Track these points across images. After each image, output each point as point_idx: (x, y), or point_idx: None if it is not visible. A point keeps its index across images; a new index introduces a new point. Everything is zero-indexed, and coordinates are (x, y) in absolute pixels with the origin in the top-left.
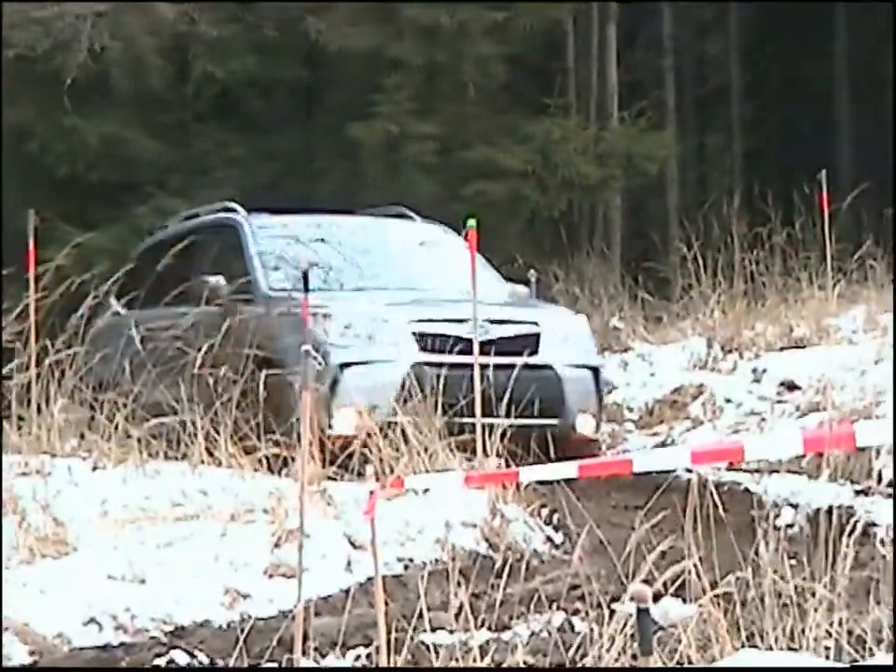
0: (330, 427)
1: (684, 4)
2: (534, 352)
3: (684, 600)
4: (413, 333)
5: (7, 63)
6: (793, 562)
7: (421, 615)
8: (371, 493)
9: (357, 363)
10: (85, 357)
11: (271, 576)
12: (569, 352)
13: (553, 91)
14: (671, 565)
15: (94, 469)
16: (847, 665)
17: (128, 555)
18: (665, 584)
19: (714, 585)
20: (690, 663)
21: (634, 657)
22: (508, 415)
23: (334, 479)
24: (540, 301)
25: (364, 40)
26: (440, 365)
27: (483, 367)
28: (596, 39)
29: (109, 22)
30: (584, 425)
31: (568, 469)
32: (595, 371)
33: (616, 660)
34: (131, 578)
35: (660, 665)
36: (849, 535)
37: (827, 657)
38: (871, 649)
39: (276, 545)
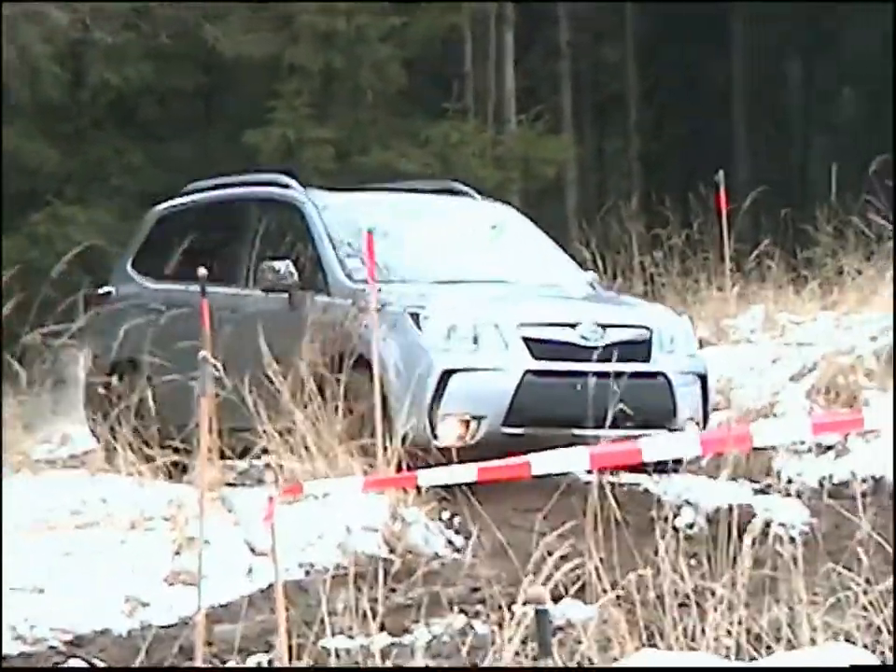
0: (435, 437)
1: (581, 10)
2: (646, 358)
3: (584, 601)
4: (524, 338)
5: None
6: (693, 561)
7: (322, 620)
8: (271, 499)
9: (463, 370)
10: (93, 334)
11: (171, 583)
12: (678, 358)
13: (451, 95)
14: (572, 567)
15: None
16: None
17: (28, 565)
18: (565, 586)
19: (614, 586)
20: (590, 663)
21: (534, 658)
22: (616, 426)
23: (234, 485)
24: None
25: (261, 46)
26: (553, 373)
27: (596, 374)
28: (494, 44)
29: (6, 30)
30: (690, 431)
31: (468, 473)
32: (703, 378)
33: (514, 661)
34: (30, 588)
35: (560, 665)
36: (748, 534)
37: (726, 656)
38: (769, 646)
39: (176, 553)
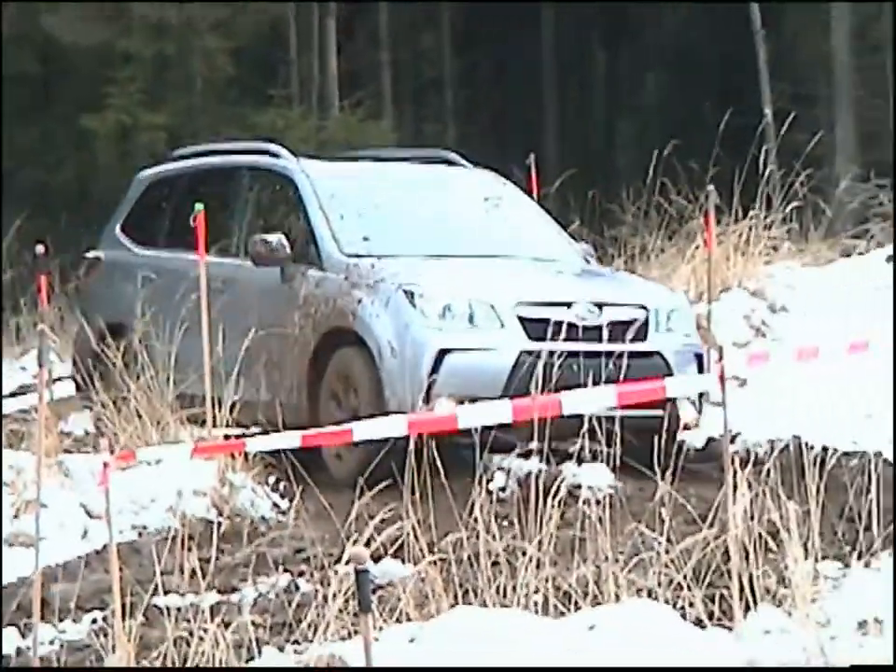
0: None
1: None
2: (643, 338)
3: (403, 561)
4: (519, 318)
5: None
6: (505, 523)
7: (154, 580)
8: (105, 465)
9: (458, 349)
10: (83, 298)
11: (10, 545)
12: (675, 336)
13: (278, 82)
14: (392, 528)
15: None
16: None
17: None
18: (385, 546)
19: (431, 546)
20: (409, 620)
21: (355, 615)
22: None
23: (70, 451)
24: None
25: (95, 35)
26: (548, 354)
27: (592, 354)
28: (317, 33)
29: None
30: (686, 412)
31: (292, 439)
32: (700, 357)
33: (337, 618)
34: None
35: (380, 622)
36: (556, 497)
37: (536, 612)
38: (577, 603)
39: (15, 516)
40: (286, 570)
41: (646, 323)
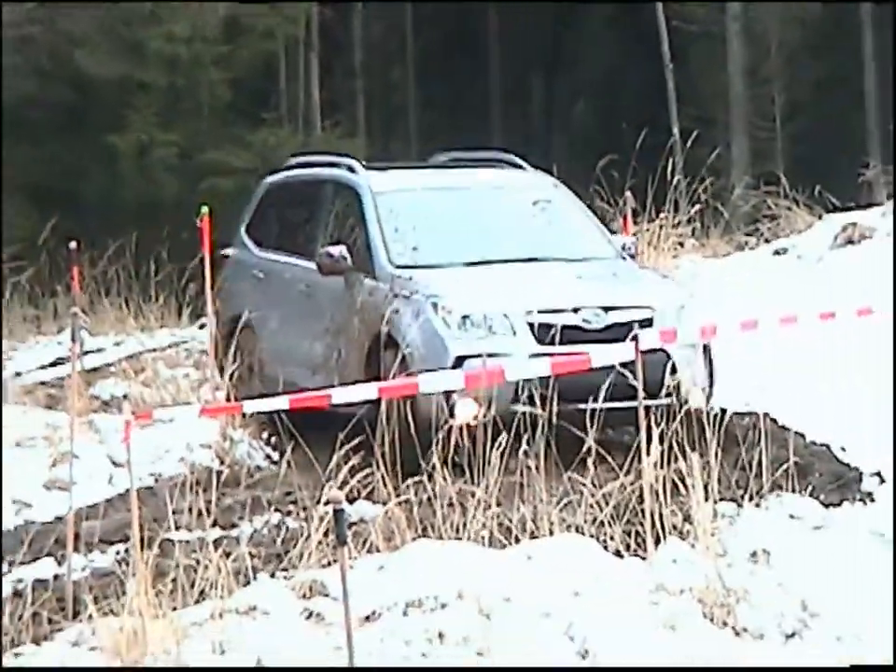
0: (452, 416)
1: (372, 37)
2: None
3: (373, 502)
4: (530, 325)
5: None
6: (457, 470)
7: (167, 518)
8: (127, 423)
9: (474, 356)
10: (217, 293)
11: (49, 489)
12: (681, 332)
13: (269, 107)
14: (364, 475)
15: None
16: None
17: None
18: (358, 490)
19: (397, 490)
20: (378, 551)
21: (334, 547)
22: (620, 399)
23: (98, 412)
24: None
25: (118, 68)
26: (554, 356)
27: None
28: (302, 67)
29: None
30: (696, 398)
31: (282, 402)
32: (706, 348)
33: (318, 549)
34: None
35: (354, 553)
36: (498, 448)
37: (483, 544)
38: (517, 537)
39: (53, 465)
40: (276, 510)
41: (650, 322)
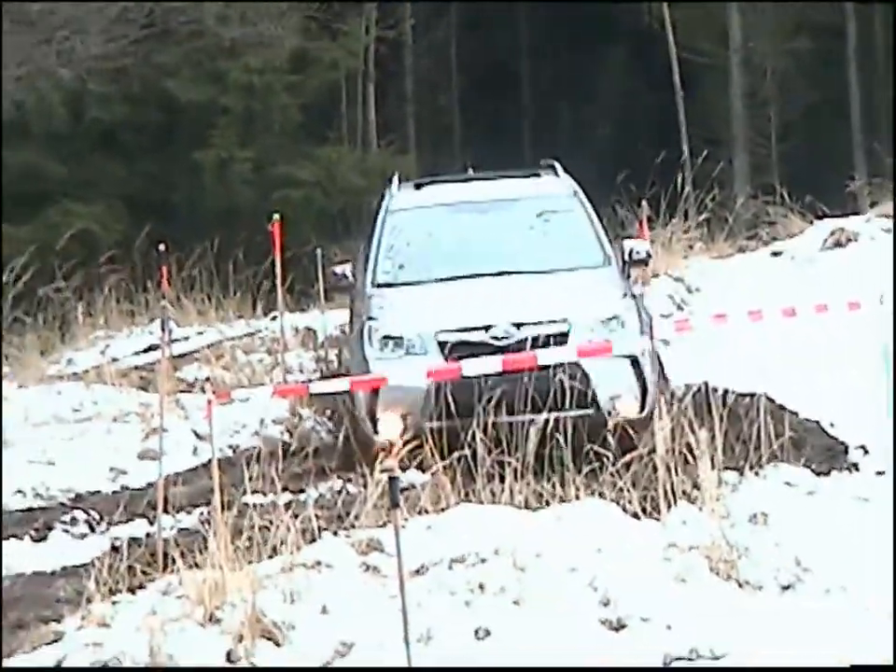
0: (376, 433)
1: (421, 69)
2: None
3: (423, 471)
4: (440, 343)
5: None
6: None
7: (244, 484)
8: (209, 402)
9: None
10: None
11: (141, 458)
12: (616, 343)
13: (333, 127)
14: (413, 447)
15: (19, 387)
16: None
17: (42, 447)
18: (410, 460)
19: (443, 459)
20: (426, 513)
21: (388, 510)
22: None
23: (184, 392)
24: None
25: (203, 94)
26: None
27: (503, 372)
28: (361, 93)
29: (27, 82)
30: (625, 408)
31: (342, 384)
32: (633, 358)
33: (376, 510)
34: (45, 462)
35: (405, 515)
36: (533, 425)
37: (518, 508)
38: (548, 501)
39: (145, 438)
40: (338, 477)
41: (566, 336)
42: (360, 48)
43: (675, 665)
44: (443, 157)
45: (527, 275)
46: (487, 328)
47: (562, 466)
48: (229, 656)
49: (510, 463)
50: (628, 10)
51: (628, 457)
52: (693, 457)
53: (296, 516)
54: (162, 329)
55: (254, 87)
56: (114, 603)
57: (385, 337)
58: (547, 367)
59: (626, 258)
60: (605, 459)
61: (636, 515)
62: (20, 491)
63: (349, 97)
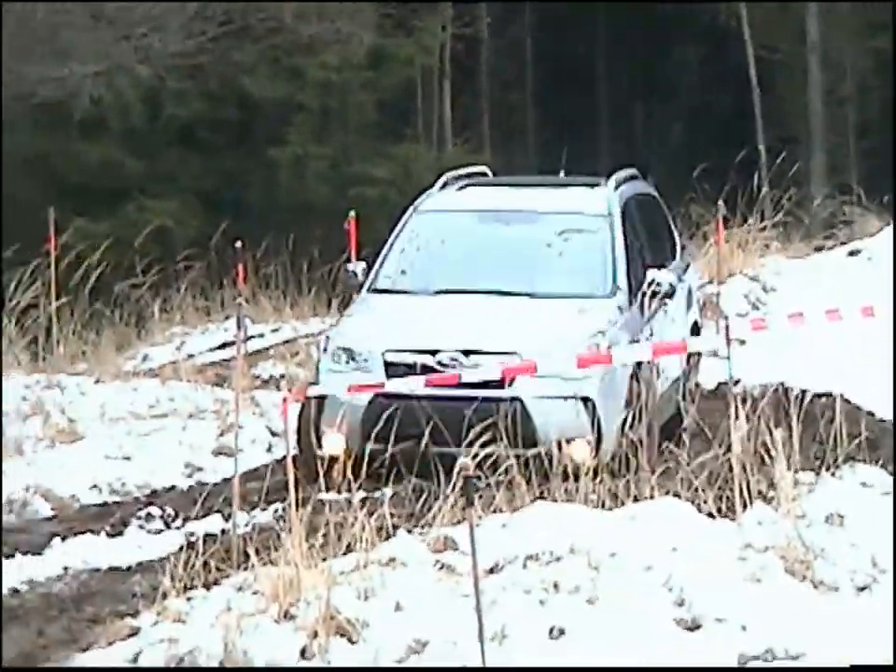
0: (320, 447)
1: (496, 68)
2: (509, 383)
3: (497, 470)
4: (386, 364)
5: (31, 108)
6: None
7: (319, 481)
8: (285, 399)
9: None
10: None
11: (216, 455)
12: (549, 382)
13: (409, 124)
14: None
15: (96, 382)
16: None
17: (119, 442)
18: (485, 459)
19: (518, 458)
20: (501, 512)
21: (463, 508)
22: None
23: (259, 389)
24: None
25: (278, 91)
26: (401, 397)
27: (444, 399)
28: (437, 90)
29: (104, 79)
30: (576, 451)
31: (418, 382)
32: (587, 400)
33: (451, 509)
34: (121, 457)
35: (480, 513)
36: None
37: (592, 507)
38: (622, 500)
39: (220, 434)
40: (416, 476)
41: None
42: (436, 45)
43: (750, 665)
44: (518, 155)
45: (519, 299)
46: (435, 352)
47: (637, 465)
48: (303, 653)
49: (584, 462)
50: (705, 8)
51: (702, 457)
52: (770, 457)
53: (371, 514)
54: (238, 326)
55: (331, 84)
56: (189, 599)
57: (339, 349)
58: (490, 400)
59: (646, 288)
60: (680, 459)
61: (711, 515)
62: (95, 486)
63: (425, 95)
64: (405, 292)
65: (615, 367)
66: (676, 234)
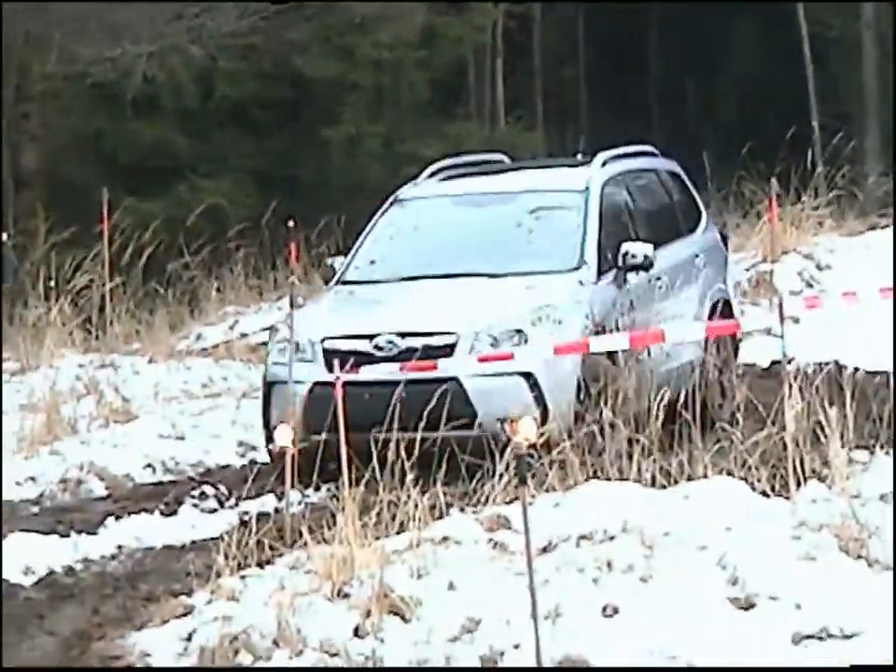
0: (271, 440)
1: (548, 43)
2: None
3: (550, 449)
4: (325, 351)
5: (84, 88)
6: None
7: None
8: (337, 378)
9: (279, 382)
10: None
11: None
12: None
13: (461, 103)
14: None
15: (150, 362)
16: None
17: (172, 421)
18: (538, 438)
19: (570, 437)
20: (554, 490)
21: (516, 487)
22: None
23: None
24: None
25: (331, 70)
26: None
27: (386, 382)
28: (489, 68)
29: (157, 59)
30: (522, 429)
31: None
32: (529, 375)
33: (504, 489)
34: (175, 436)
35: (533, 492)
36: (660, 403)
37: (645, 485)
38: (675, 479)
39: None
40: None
41: (451, 348)
42: (488, 24)
43: (804, 644)
44: (570, 132)
45: (478, 279)
46: (373, 336)
47: (690, 443)
48: (356, 631)
49: (638, 440)
50: None
51: (756, 436)
52: (824, 436)
53: (424, 492)
54: (291, 306)
55: (383, 62)
56: (242, 577)
57: (284, 340)
58: (424, 381)
59: (621, 262)
60: (733, 437)
61: (765, 494)
62: (149, 465)
63: (477, 72)
64: (372, 282)
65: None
66: (700, 209)
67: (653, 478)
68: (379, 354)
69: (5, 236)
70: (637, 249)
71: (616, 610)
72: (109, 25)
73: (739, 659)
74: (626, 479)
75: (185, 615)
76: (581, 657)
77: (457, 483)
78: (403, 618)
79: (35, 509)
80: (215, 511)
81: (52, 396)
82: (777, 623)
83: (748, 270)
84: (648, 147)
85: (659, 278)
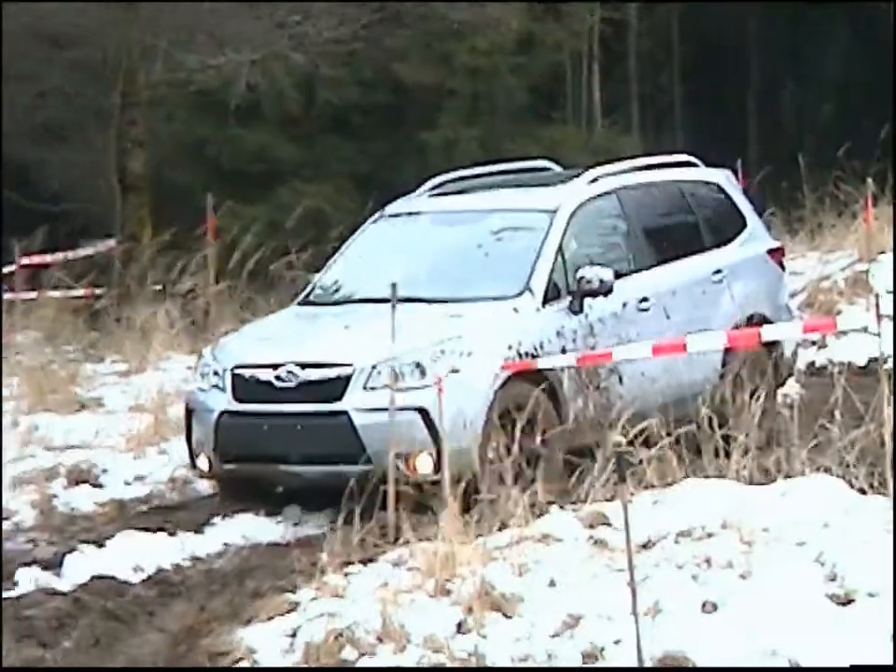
0: (195, 466)
1: (643, 48)
2: (337, 397)
3: (649, 446)
4: (234, 379)
5: (188, 95)
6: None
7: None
8: (437, 376)
9: (194, 409)
10: None
11: None
12: (382, 394)
13: (557, 107)
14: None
15: None
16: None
17: None
18: (636, 436)
19: (669, 435)
20: (653, 488)
21: (615, 484)
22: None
23: None
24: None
25: (430, 76)
26: (244, 414)
27: (282, 415)
28: (586, 74)
29: (260, 66)
30: (419, 465)
31: (569, 359)
32: (423, 411)
33: (604, 485)
34: None
35: (632, 489)
36: (757, 399)
37: (743, 482)
38: (773, 476)
39: None
40: (567, 453)
41: (346, 381)
42: (585, 29)
43: None
44: (665, 136)
45: (419, 305)
46: (276, 366)
47: (787, 441)
48: (459, 627)
49: (736, 438)
50: None
51: (855, 433)
52: None
53: (524, 490)
54: (392, 306)
55: (480, 69)
56: (346, 574)
57: (206, 365)
58: (317, 414)
59: (576, 287)
60: (831, 435)
61: (862, 491)
62: None
63: (574, 77)
64: (327, 304)
65: (471, 374)
66: (745, 219)
67: (751, 475)
68: (279, 384)
69: (113, 242)
70: (593, 274)
71: (715, 607)
72: (213, 34)
73: (840, 655)
74: (724, 476)
75: (290, 611)
76: (682, 653)
77: (558, 481)
78: (505, 614)
79: (144, 507)
80: (318, 509)
81: (159, 397)
82: (877, 618)
83: (843, 269)
84: (681, 157)
85: (646, 299)
